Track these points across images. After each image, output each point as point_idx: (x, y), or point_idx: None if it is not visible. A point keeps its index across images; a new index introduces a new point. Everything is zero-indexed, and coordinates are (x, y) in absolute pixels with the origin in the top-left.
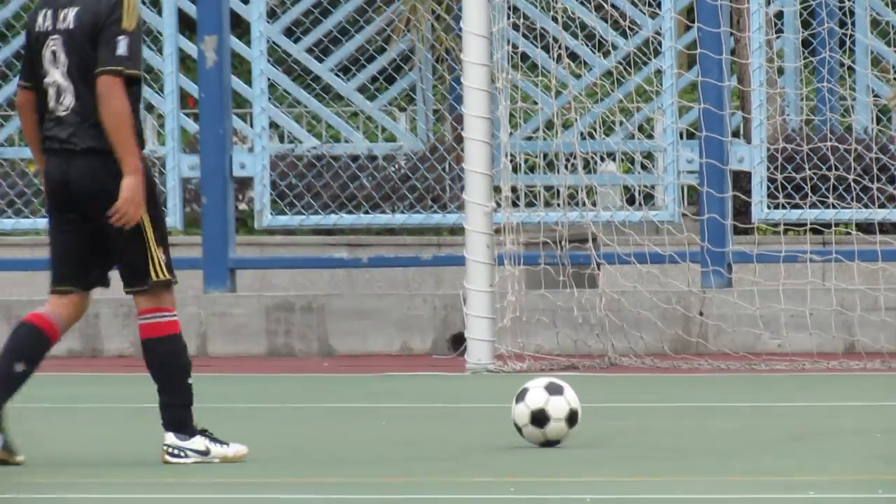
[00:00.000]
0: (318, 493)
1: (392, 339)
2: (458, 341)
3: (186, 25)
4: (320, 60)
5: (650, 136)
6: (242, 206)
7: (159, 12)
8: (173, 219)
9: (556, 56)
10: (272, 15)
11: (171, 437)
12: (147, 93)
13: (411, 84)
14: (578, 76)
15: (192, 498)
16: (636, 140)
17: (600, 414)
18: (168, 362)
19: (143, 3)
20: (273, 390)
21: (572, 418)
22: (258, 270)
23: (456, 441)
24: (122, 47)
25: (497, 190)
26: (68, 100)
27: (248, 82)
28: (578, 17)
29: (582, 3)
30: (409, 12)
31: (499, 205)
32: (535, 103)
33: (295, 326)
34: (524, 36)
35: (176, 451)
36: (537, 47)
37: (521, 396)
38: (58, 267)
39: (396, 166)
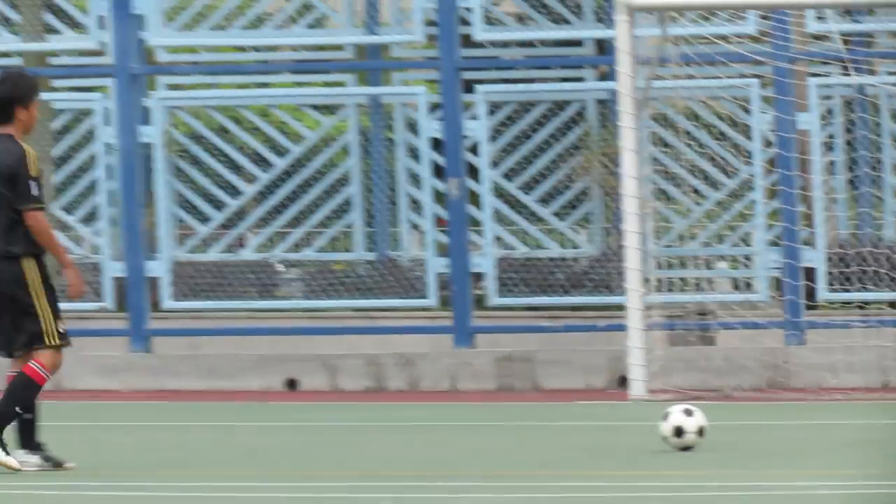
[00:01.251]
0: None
1: (580, 379)
2: (623, 381)
3: (437, 171)
4: (527, 192)
5: (748, 245)
6: (478, 291)
7: (418, 161)
8: (431, 300)
9: (683, 191)
10: (494, 164)
11: None
12: (412, 215)
13: (590, 209)
14: (699, 204)
15: None
16: (740, 247)
17: (720, 429)
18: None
19: (408, 153)
20: (509, 412)
21: (700, 432)
22: (490, 334)
23: (625, 445)
24: (34, 189)
25: (647, 280)
26: None
27: (480, 207)
28: (699, 166)
29: (699, 155)
30: (586, 162)
31: (648, 290)
32: (670, 222)
33: (515, 371)
34: (662, 177)
35: None
36: (671, 185)
37: (665, 417)
38: None
39: (581, 264)
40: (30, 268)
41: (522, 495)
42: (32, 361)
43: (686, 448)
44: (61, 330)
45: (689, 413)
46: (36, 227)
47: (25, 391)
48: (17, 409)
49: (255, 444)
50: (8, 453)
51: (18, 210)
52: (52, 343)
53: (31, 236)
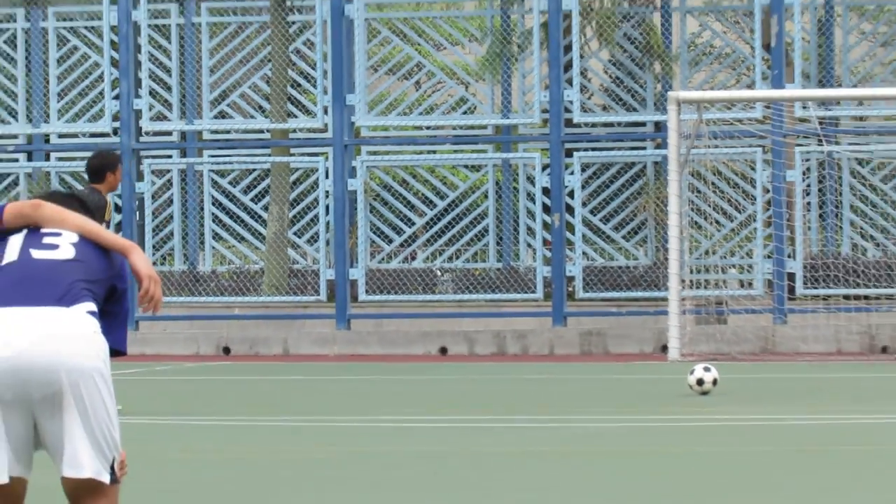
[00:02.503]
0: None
1: (636, 347)
2: (664, 349)
3: (545, 209)
4: (604, 223)
5: (751, 257)
6: (570, 289)
7: (533, 202)
8: (539, 294)
9: (709, 222)
10: (584, 204)
11: None
12: (528, 238)
13: (646, 234)
14: (718, 230)
15: None
16: (745, 259)
17: (728, 381)
18: None
19: (526, 197)
20: (588, 369)
21: (714, 382)
22: (577, 317)
23: (665, 391)
24: None
25: (682, 281)
26: None
27: (573, 232)
28: (719, 205)
29: (720, 198)
30: (644, 203)
31: (683, 287)
32: (699, 242)
33: (592, 342)
34: (695, 213)
35: None
36: (701, 218)
37: (691, 372)
38: None
39: (639, 270)
40: None
41: (599, 417)
42: None
43: (705, 393)
44: None
45: (707, 370)
46: None
47: None
48: None
49: (420, 389)
50: None
51: None
52: None
53: None
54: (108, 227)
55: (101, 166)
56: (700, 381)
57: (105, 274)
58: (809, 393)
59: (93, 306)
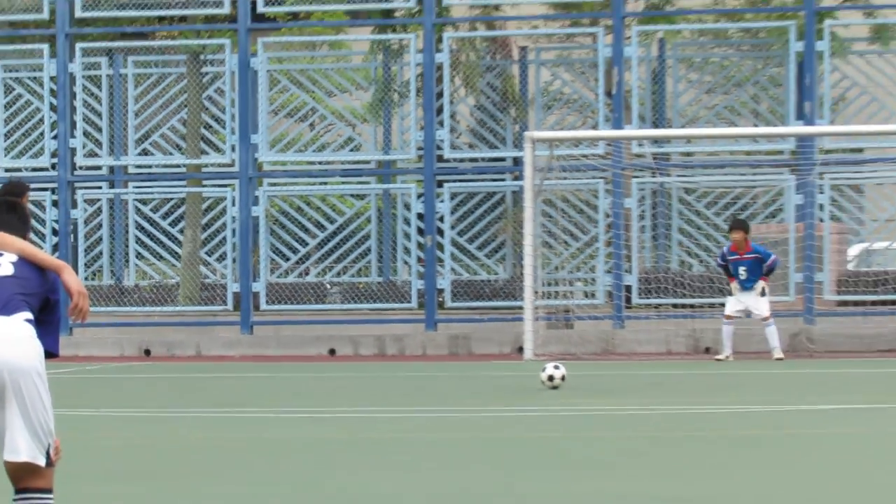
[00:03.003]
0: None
1: (497, 348)
2: (520, 350)
3: (420, 231)
4: (470, 243)
5: (593, 272)
6: (440, 299)
7: (409, 225)
8: (413, 303)
9: (559, 242)
10: (452, 227)
11: None
12: (405, 256)
13: (505, 252)
14: (566, 249)
15: None
16: (588, 273)
17: (574, 377)
18: None
19: (403, 222)
20: (455, 367)
21: (563, 378)
22: (446, 323)
23: (521, 385)
24: None
25: (535, 292)
26: None
27: (443, 251)
28: (568, 228)
29: (568, 222)
30: (504, 226)
31: (536, 298)
32: (550, 259)
33: (459, 344)
34: (546, 234)
35: None
36: (551, 238)
37: (543, 369)
38: None
39: (499, 283)
40: None
41: (465, 408)
42: None
43: (555, 388)
44: None
45: (557, 367)
46: None
47: None
48: None
49: (311, 385)
50: None
51: None
52: None
53: None
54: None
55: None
56: (551, 378)
57: (40, 288)
58: (643, 387)
59: (29, 315)
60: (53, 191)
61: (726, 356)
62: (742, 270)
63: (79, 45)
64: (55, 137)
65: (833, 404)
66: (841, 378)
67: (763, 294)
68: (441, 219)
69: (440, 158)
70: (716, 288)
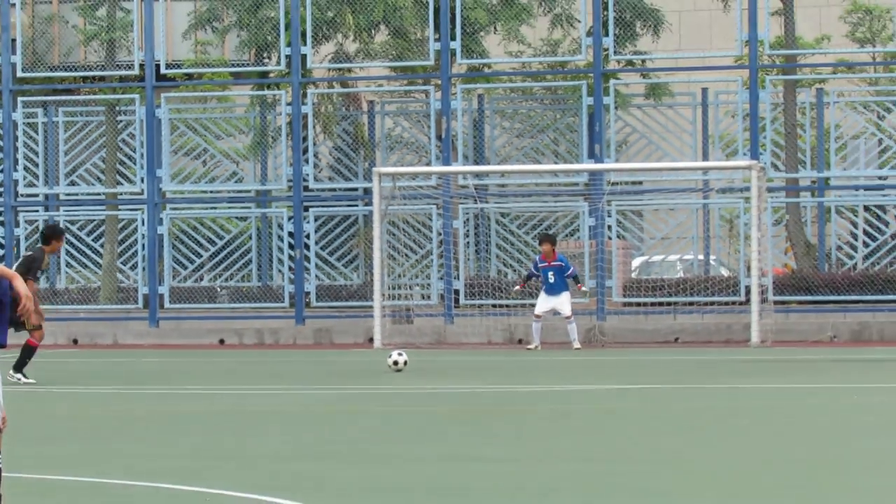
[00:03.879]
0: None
1: (352, 339)
2: (371, 340)
3: (290, 246)
4: (329, 255)
5: (429, 278)
6: (306, 299)
7: (282, 241)
8: (286, 303)
9: (401, 255)
10: (316, 243)
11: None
12: (279, 266)
13: (359, 262)
14: (407, 260)
15: None
16: (425, 279)
17: (414, 361)
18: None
19: (278, 239)
20: (320, 355)
21: (405, 363)
22: (313, 319)
23: (371, 369)
24: (32, 273)
25: (382, 294)
26: None
27: (310, 262)
28: (408, 243)
29: (408, 238)
30: (358, 241)
31: (383, 298)
32: (393, 268)
33: (323, 336)
34: (390, 248)
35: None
36: (395, 252)
37: (389, 356)
38: None
39: (354, 287)
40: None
41: (327, 386)
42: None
43: (398, 371)
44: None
45: (400, 354)
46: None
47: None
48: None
49: (204, 368)
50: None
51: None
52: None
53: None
54: (41, 272)
55: (49, 235)
56: (395, 363)
57: None
58: (470, 371)
59: None
60: (0, 213)
61: (535, 346)
62: (551, 275)
63: (20, 99)
64: (1, 171)
65: (620, 384)
66: (627, 364)
67: (585, 295)
68: (307, 236)
69: (306, 188)
70: (527, 292)
